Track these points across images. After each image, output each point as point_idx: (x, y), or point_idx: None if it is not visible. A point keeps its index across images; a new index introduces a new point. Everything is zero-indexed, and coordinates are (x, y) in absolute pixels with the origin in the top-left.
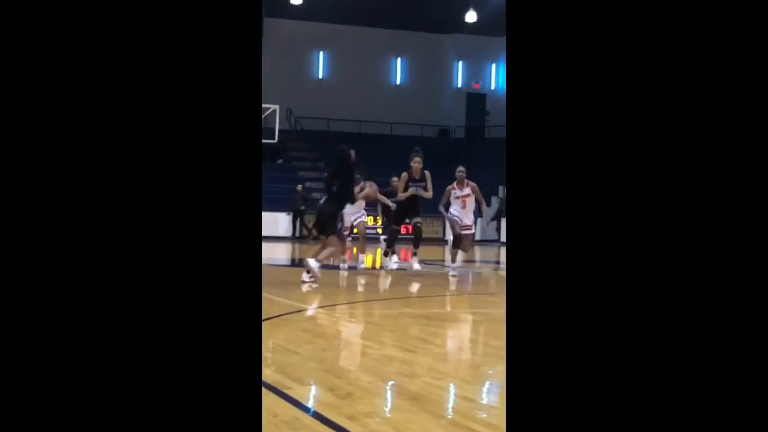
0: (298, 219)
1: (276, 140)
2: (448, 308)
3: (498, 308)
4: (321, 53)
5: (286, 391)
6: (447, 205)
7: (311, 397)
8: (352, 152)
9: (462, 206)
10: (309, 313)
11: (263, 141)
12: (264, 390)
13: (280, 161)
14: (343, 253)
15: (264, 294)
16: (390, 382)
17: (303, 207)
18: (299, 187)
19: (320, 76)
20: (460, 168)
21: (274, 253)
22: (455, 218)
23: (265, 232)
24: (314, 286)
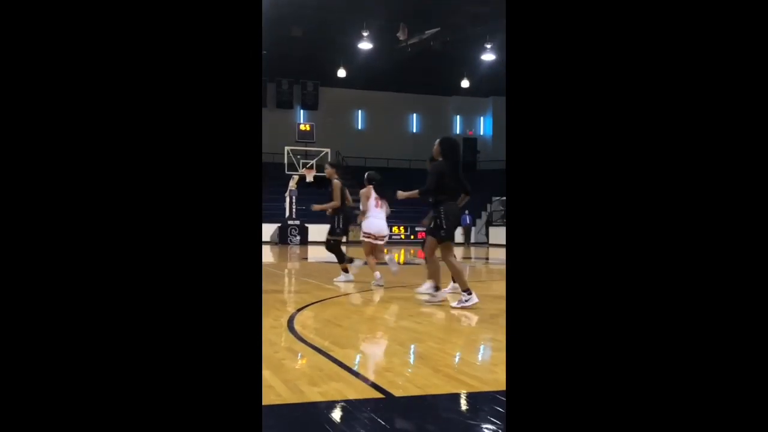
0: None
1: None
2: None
3: (486, 290)
4: (360, 111)
5: (330, 353)
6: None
7: (347, 356)
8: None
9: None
10: (350, 296)
11: (321, 174)
12: (312, 350)
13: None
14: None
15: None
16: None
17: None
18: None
19: (359, 128)
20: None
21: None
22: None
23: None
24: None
